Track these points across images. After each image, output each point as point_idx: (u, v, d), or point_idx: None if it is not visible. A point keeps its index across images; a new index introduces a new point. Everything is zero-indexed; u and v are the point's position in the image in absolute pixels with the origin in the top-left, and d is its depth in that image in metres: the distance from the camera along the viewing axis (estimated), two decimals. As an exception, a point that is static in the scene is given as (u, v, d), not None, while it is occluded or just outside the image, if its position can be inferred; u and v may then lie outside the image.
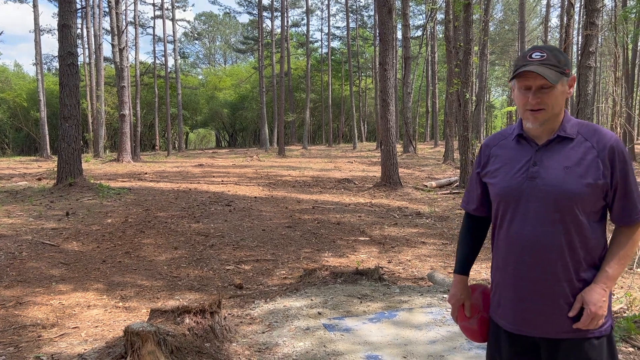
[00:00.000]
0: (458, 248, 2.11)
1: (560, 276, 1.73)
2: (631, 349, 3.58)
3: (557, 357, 1.76)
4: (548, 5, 36.21)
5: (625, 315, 4.15)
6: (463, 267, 2.08)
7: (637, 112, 35.25)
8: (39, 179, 15.15)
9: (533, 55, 1.75)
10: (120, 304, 4.80)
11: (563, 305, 1.74)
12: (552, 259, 1.73)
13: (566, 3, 20.90)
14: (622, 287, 5.05)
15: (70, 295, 5.01)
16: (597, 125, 1.80)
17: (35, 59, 30.32)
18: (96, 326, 4.21)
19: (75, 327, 4.18)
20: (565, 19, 22.54)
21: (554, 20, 63.67)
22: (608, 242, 1.81)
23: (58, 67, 12.64)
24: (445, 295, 4.51)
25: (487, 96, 52.23)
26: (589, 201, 1.70)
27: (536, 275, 1.75)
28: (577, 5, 29.23)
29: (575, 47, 32.53)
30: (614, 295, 4.81)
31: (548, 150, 1.77)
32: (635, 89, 29.23)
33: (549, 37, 38.54)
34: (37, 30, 29.69)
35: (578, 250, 1.73)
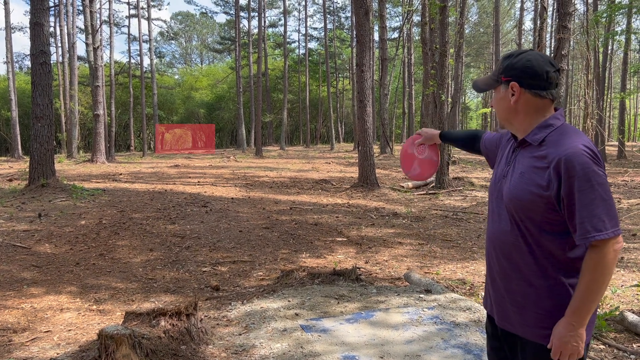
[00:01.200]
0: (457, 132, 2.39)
1: (527, 276, 1.74)
2: (602, 347, 3.66)
3: (526, 357, 1.79)
4: (522, 9, 36.82)
5: (597, 313, 4.23)
6: (447, 132, 2.41)
7: (608, 114, 36.06)
8: (10, 180, 14.82)
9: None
10: (94, 306, 4.73)
11: (531, 305, 1.74)
12: (515, 257, 1.77)
13: (539, 7, 21.27)
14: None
15: (42, 298, 4.91)
16: (571, 134, 1.70)
17: (6, 57, 29.66)
18: (69, 330, 4.13)
19: (47, 331, 4.10)
20: (538, 22, 22.93)
21: (528, 24, 64.69)
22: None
23: (30, 66, 12.39)
24: (422, 295, 4.55)
25: (463, 98, 52.83)
26: (536, 211, 1.68)
27: (506, 271, 1.80)
28: (550, 9, 29.80)
29: (548, 49, 33.09)
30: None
31: (519, 153, 1.81)
32: (605, 92, 29.89)
33: (523, 40, 39.15)
34: (8, 28, 29.05)
35: (542, 259, 1.71)
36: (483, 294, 2.09)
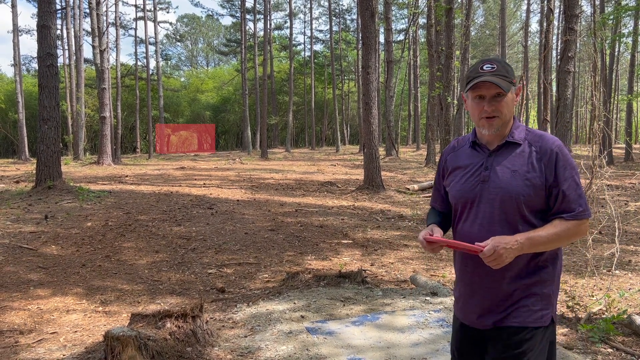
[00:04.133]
0: (427, 220, 2.21)
1: (503, 273, 1.84)
2: (610, 350, 3.63)
3: (497, 345, 1.87)
4: (528, 11, 36.75)
5: (604, 316, 4.21)
6: (434, 222, 2.13)
7: (615, 116, 35.91)
8: (17, 182, 14.90)
9: (484, 67, 1.88)
10: (100, 308, 4.74)
11: (503, 297, 1.87)
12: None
13: (546, 9, 21.21)
14: (600, 289, 5.12)
15: (48, 300, 4.93)
16: (542, 132, 1.93)
17: (14, 59, 29.85)
18: (75, 331, 4.14)
19: (53, 333, 4.11)
20: (545, 24, 22.86)
21: (534, 26, 64.46)
22: None
23: (37, 68, 12.46)
24: (427, 298, 4.53)
25: (469, 100, 52.64)
26: (534, 201, 1.83)
27: (481, 271, 1.88)
28: (557, 11, 29.71)
29: (554, 52, 33.00)
30: (592, 296, 4.88)
31: (498, 155, 1.91)
32: (612, 94, 29.76)
33: (529, 42, 39.05)
34: (16, 31, 29.25)
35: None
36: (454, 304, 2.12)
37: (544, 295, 1.86)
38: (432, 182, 15.17)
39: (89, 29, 27.14)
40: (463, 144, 2.06)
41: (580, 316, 4.29)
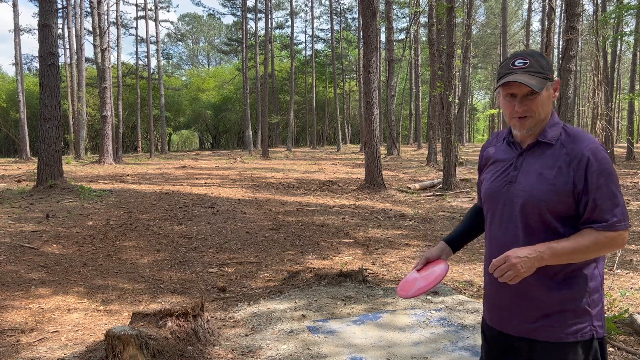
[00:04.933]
0: (457, 224, 2.11)
1: (527, 280, 1.70)
2: (611, 349, 3.63)
3: (533, 358, 1.76)
4: (529, 10, 36.69)
5: (605, 315, 4.20)
6: (450, 236, 2.09)
7: (616, 115, 35.85)
8: (19, 181, 14.91)
9: (516, 63, 1.74)
10: (102, 307, 4.74)
11: (533, 307, 1.74)
12: None
13: (547, 7, 21.18)
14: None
15: (50, 299, 4.93)
16: (580, 131, 1.75)
17: (15, 59, 29.87)
18: (77, 330, 4.14)
19: (55, 331, 4.11)
20: (546, 23, 22.83)
21: (536, 24, 64.46)
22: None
23: (38, 67, 12.47)
24: (429, 297, 4.53)
25: (470, 99, 52.69)
26: (559, 207, 1.69)
27: (511, 289, 1.76)
28: (558, 10, 29.67)
29: (556, 50, 32.96)
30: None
31: (529, 155, 1.79)
32: (614, 93, 29.73)
33: (531, 40, 39.00)
34: (17, 30, 29.26)
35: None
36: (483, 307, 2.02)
37: (578, 309, 1.70)
38: (433, 181, 15.19)
39: (90, 28, 27.14)
40: (501, 138, 1.94)
41: (581, 315, 4.28)
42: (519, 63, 1.74)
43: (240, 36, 41.97)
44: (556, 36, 33.07)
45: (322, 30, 54.46)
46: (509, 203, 1.78)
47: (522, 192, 1.74)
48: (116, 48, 35.96)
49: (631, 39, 24.78)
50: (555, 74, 1.76)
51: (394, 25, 30.60)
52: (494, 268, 1.67)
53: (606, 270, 5.66)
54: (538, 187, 1.70)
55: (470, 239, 2.11)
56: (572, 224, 1.70)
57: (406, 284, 1.99)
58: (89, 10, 28.10)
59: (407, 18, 44.00)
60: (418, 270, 2.02)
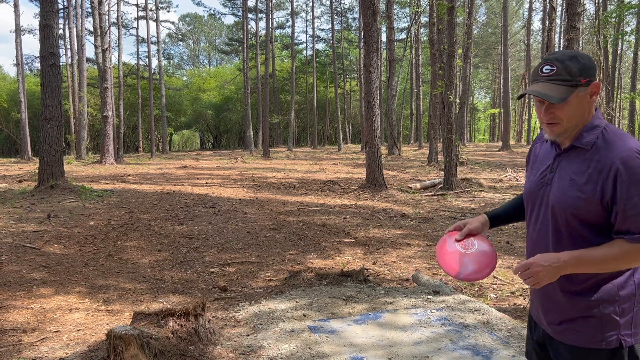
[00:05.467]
0: (503, 204, 2.14)
1: (553, 285, 1.72)
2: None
3: (557, 358, 1.78)
4: (530, 9, 36.69)
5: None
6: (494, 212, 2.09)
7: (618, 114, 35.81)
8: (20, 181, 14.93)
9: (543, 70, 1.70)
10: (103, 307, 4.75)
11: (559, 311, 1.76)
12: None
13: (548, 7, 21.17)
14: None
15: (51, 298, 4.94)
16: (619, 135, 1.67)
17: (16, 59, 29.91)
18: (78, 330, 4.15)
19: (56, 331, 4.12)
20: (547, 22, 22.82)
21: (537, 24, 64.43)
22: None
23: (40, 67, 12.48)
24: (430, 297, 4.53)
25: (471, 99, 52.65)
26: (586, 215, 1.66)
27: (541, 292, 1.80)
28: (559, 9, 29.65)
29: (557, 50, 32.88)
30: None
31: (564, 159, 1.76)
32: (615, 92, 29.70)
33: (532, 40, 38.98)
34: (18, 31, 29.29)
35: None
36: (529, 300, 2.02)
37: (604, 317, 1.67)
38: (434, 181, 15.18)
39: (91, 29, 27.16)
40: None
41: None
42: (545, 70, 1.70)
43: (241, 36, 41.99)
44: (557, 35, 33.05)
45: (322, 30, 54.52)
46: (544, 205, 1.77)
47: (554, 196, 1.73)
48: (117, 48, 36.03)
49: (632, 38, 24.78)
50: (596, 75, 1.69)
51: (395, 25, 30.57)
52: (518, 272, 1.68)
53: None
54: (568, 192, 1.68)
55: (509, 222, 2.10)
56: (604, 232, 1.67)
57: (448, 256, 1.92)
58: (89, 10, 28.11)
59: (408, 18, 43.98)
60: (458, 241, 1.95)
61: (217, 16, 66.55)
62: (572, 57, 1.69)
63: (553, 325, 1.78)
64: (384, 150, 25.53)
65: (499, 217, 2.07)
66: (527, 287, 5.11)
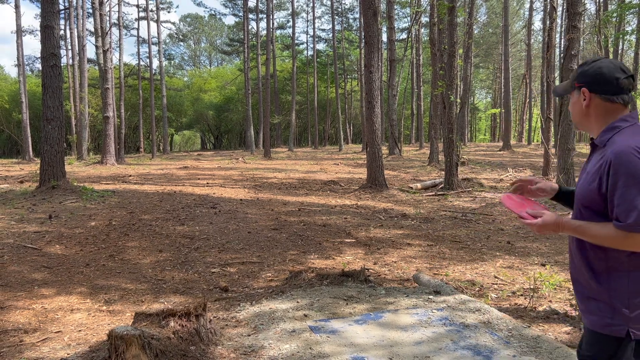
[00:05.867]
0: None
1: (580, 271, 1.90)
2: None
3: (584, 342, 1.93)
4: (531, 9, 36.66)
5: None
6: (565, 188, 2.24)
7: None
8: (21, 182, 14.95)
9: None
10: (104, 307, 4.75)
11: (580, 290, 1.92)
12: (574, 251, 1.95)
13: (549, 7, 21.16)
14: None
15: (53, 299, 4.95)
16: (630, 134, 1.81)
17: (17, 60, 29.94)
18: (79, 330, 4.16)
19: (58, 332, 4.13)
20: (548, 22, 22.82)
21: (537, 24, 64.34)
22: None
23: (41, 68, 12.50)
24: (431, 297, 4.53)
25: (472, 98, 52.62)
26: (591, 205, 1.84)
27: (572, 265, 1.99)
28: (560, 9, 29.63)
29: (558, 50, 32.90)
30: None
31: (589, 158, 1.97)
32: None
33: (532, 40, 38.96)
34: (19, 31, 29.33)
35: (589, 251, 1.86)
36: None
37: (612, 306, 1.79)
38: (435, 181, 15.16)
39: (92, 29, 27.20)
40: None
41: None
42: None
43: (242, 36, 42.01)
44: (558, 35, 33.04)
45: (323, 30, 54.48)
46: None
47: (577, 188, 1.96)
48: (118, 49, 36.09)
49: (633, 37, 24.75)
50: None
51: (396, 25, 30.58)
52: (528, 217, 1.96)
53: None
54: (583, 185, 1.89)
55: (570, 205, 2.19)
56: (610, 221, 1.81)
57: (516, 204, 2.15)
58: (90, 11, 28.10)
59: (409, 18, 43.94)
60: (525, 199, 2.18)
61: (218, 16, 66.69)
62: (582, 64, 1.96)
63: (580, 307, 1.93)
64: (384, 150, 25.51)
65: (564, 194, 2.22)
66: (532, 285, 5.12)
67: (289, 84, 46.45)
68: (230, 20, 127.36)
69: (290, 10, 44.46)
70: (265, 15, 37.87)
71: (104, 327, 4.22)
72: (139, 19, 40.28)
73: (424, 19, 32.91)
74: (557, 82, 19.63)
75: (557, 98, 13.62)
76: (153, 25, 39.74)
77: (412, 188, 13.77)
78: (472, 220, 9.33)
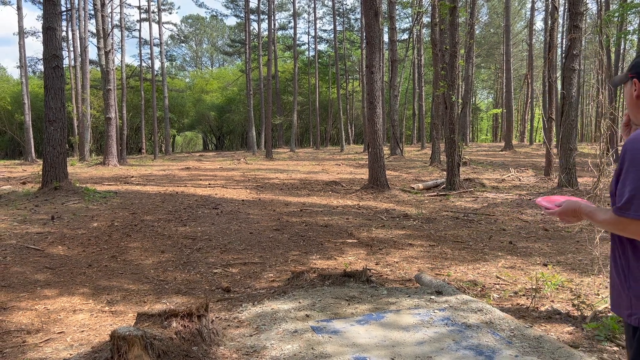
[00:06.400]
0: None
1: (617, 265, 1.89)
2: (616, 348, 3.63)
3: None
4: (532, 9, 36.62)
5: (610, 315, 4.20)
6: None
7: (620, 113, 35.71)
8: (24, 183, 14.98)
9: None
10: (107, 308, 4.76)
11: (612, 284, 1.94)
12: (613, 248, 1.95)
13: (550, 7, 21.14)
14: (606, 287, 5.11)
15: (55, 300, 4.96)
16: None
17: (20, 61, 30.01)
18: (82, 331, 4.17)
19: (60, 332, 4.14)
20: (549, 22, 22.79)
21: (539, 24, 64.26)
22: None
23: (43, 70, 12.52)
24: (432, 297, 4.53)
25: (473, 99, 52.57)
26: (616, 194, 1.83)
27: (611, 262, 1.98)
28: (561, 9, 29.59)
29: (560, 49, 32.87)
30: (598, 295, 4.87)
31: None
32: (618, 91, 29.61)
33: (534, 40, 38.91)
34: (21, 33, 29.39)
35: (626, 245, 1.85)
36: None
37: (631, 296, 1.81)
38: (437, 181, 15.16)
39: (94, 31, 27.29)
40: None
41: (586, 314, 4.29)
42: None
43: (243, 37, 42.05)
44: (559, 35, 32.99)
45: (324, 31, 54.50)
46: None
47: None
48: (120, 50, 36.11)
49: (634, 37, 24.73)
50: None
51: (397, 26, 30.58)
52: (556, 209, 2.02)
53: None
54: (613, 179, 1.90)
55: None
56: None
57: (549, 200, 2.21)
58: (92, 12, 28.19)
59: (410, 18, 43.96)
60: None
61: (219, 17, 66.81)
62: (638, 54, 1.97)
63: (615, 305, 1.94)
64: (386, 150, 25.53)
65: None
66: (534, 285, 5.11)
67: (290, 85, 46.48)
68: (231, 21, 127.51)
69: (292, 11, 44.49)
70: (266, 16, 37.93)
71: (106, 327, 4.22)
72: (140, 20, 40.37)
73: (426, 20, 32.91)
74: (558, 82, 19.60)
75: (559, 98, 13.59)
76: (155, 26, 39.75)
77: (413, 188, 13.76)
78: (474, 221, 9.32)
